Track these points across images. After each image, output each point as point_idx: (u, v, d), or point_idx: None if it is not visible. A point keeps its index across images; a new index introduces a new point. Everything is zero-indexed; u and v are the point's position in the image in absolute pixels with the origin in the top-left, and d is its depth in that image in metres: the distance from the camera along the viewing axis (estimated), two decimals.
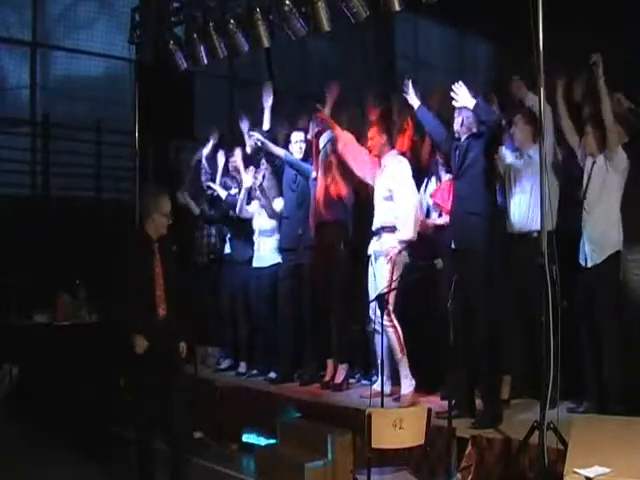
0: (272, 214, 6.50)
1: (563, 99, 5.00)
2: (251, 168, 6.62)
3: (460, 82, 4.99)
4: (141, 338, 4.59)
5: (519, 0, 4.17)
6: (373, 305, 5.29)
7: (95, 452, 5.85)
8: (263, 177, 6.51)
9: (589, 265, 4.80)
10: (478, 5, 7.97)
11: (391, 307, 5.42)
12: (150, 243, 4.75)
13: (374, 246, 5.57)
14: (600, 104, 4.70)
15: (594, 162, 4.84)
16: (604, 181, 4.78)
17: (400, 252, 5.42)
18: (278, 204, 6.52)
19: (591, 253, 4.79)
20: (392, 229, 5.48)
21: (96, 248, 7.99)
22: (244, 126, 6.81)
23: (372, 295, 5.40)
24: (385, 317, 5.37)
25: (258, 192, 6.49)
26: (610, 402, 4.62)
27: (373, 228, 5.60)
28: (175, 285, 4.78)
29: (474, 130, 5.07)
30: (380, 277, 5.42)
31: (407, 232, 5.42)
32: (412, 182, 5.53)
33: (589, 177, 4.85)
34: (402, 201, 5.44)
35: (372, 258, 5.58)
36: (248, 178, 6.56)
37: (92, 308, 7.87)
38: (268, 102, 6.67)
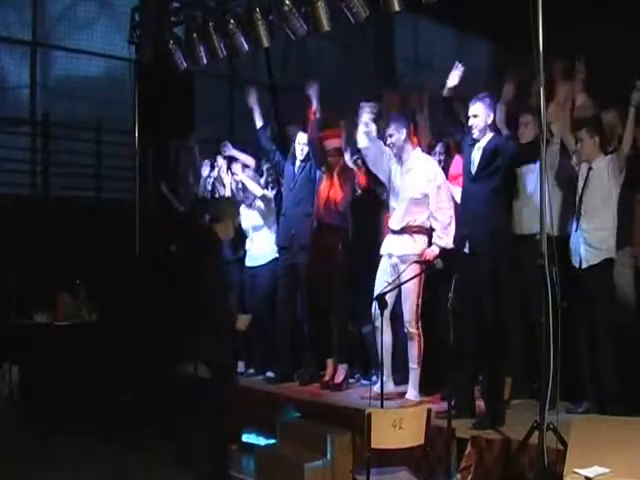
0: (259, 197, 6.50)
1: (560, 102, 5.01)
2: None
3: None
4: (247, 316, 4.97)
5: (519, 0, 4.17)
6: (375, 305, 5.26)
7: (95, 452, 5.85)
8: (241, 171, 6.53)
9: (584, 266, 4.80)
10: (478, 5, 7.97)
11: (419, 313, 5.35)
12: (219, 243, 5.05)
13: (404, 247, 5.39)
14: (625, 133, 4.69)
15: (590, 168, 4.83)
16: (604, 188, 4.76)
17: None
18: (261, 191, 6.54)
19: (586, 255, 4.79)
20: (422, 230, 5.39)
21: (96, 248, 8.03)
22: (252, 102, 6.67)
23: (401, 297, 5.33)
24: (413, 323, 5.34)
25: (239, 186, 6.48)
26: (609, 402, 4.62)
27: (395, 227, 5.45)
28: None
29: (491, 132, 4.95)
30: (406, 278, 5.16)
31: (449, 239, 5.29)
32: (447, 184, 5.44)
33: (585, 182, 4.84)
34: (443, 206, 5.32)
35: (394, 259, 5.41)
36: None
37: (92, 308, 7.88)
38: (254, 100, 6.62)
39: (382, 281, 5.41)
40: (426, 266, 5.15)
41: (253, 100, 6.60)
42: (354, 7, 5.49)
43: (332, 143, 5.99)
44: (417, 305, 5.32)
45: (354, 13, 5.54)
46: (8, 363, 7.21)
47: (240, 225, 6.61)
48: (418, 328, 5.34)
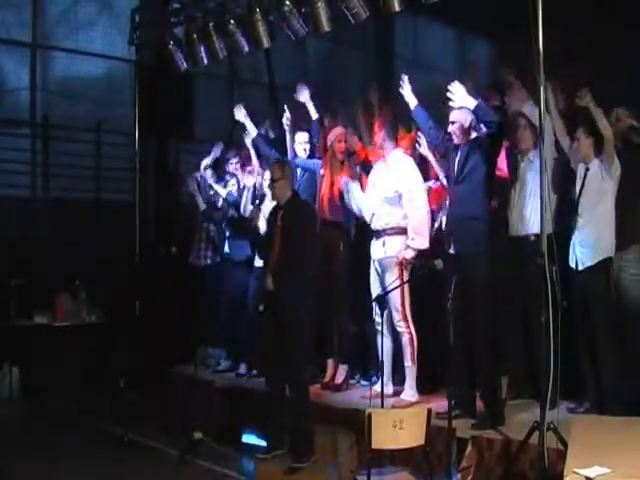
0: None
1: (557, 102, 5.00)
2: (254, 167, 6.64)
3: (456, 82, 4.93)
4: None
5: (519, 0, 4.17)
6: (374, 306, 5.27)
7: (95, 452, 5.85)
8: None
9: (580, 268, 4.81)
10: (478, 5, 7.97)
11: (408, 312, 5.39)
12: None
13: (379, 251, 5.48)
14: (597, 125, 4.68)
15: (587, 168, 4.84)
16: (600, 188, 4.78)
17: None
18: None
19: (582, 257, 4.80)
20: (399, 231, 5.41)
21: (96, 249, 8.03)
22: (241, 116, 6.67)
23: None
24: (401, 322, 5.36)
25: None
26: (609, 403, 4.62)
27: (373, 229, 5.55)
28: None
29: (472, 134, 5.01)
30: (389, 281, 5.30)
31: (424, 241, 5.35)
32: (421, 184, 5.49)
33: (583, 183, 4.85)
34: (415, 206, 5.35)
35: (376, 263, 5.52)
36: (250, 178, 6.59)
37: (92, 309, 7.88)
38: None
39: (373, 284, 5.55)
40: (413, 266, 5.24)
41: (241, 113, 6.61)
42: (354, 7, 5.48)
43: (337, 130, 6.02)
44: (403, 304, 5.35)
45: (354, 13, 5.53)
46: (8, 364, 7.21)
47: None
48: (408, 327, 5.38)
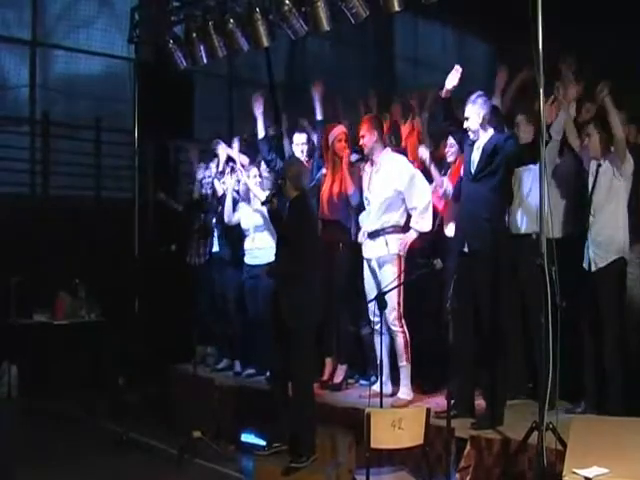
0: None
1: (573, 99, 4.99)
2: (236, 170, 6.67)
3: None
4: None
5: (519, 0, 4.17)
6: (373, 307, 5.26)
7: (95, 452, 5.85)
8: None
9: (592, 269, 4.77)
10: (478, 5, 7.98)
11: (402, 311, 5.39)
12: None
13: (380, 249, 5.47)
14: (609, 121, 4.63)
15: (599, 165, 4.79)
16: (611, 186, 4.72)
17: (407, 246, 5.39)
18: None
19: (595, 257, 4.76)
20: (398, 230, 5.42)
21: (95, 247, 8.04)
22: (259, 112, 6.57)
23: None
24: (396, 321, 5.36)
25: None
26: (609, 403, 4.62)
27: (369, 230, 5.53)
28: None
29: (489, 128, 4.95)
30: (387, 280, 5.29)
31: (427, 223, 5.37)
32: (420, 174, 5.47)
33: (595, 180, 4.80)
34: (418, 194, 5.36)
35: (373, 262, 5.52)
36: (231, 181, 6.64)
37: (91, 307, 7.88)
38: (260, 110, 6.49)
39: (368, 285, 5.55)
40: (423, 265, 5.19)
41: (259, 109, 6.45)
42: (354, 7, 5.48)
43: (337, 130, 6.00)
44: (398, 303, 5.35)
45: (354, 13, 5.53)
46: (7, 362, 7.21)
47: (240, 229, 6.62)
48: (402, 326, 5.39)
